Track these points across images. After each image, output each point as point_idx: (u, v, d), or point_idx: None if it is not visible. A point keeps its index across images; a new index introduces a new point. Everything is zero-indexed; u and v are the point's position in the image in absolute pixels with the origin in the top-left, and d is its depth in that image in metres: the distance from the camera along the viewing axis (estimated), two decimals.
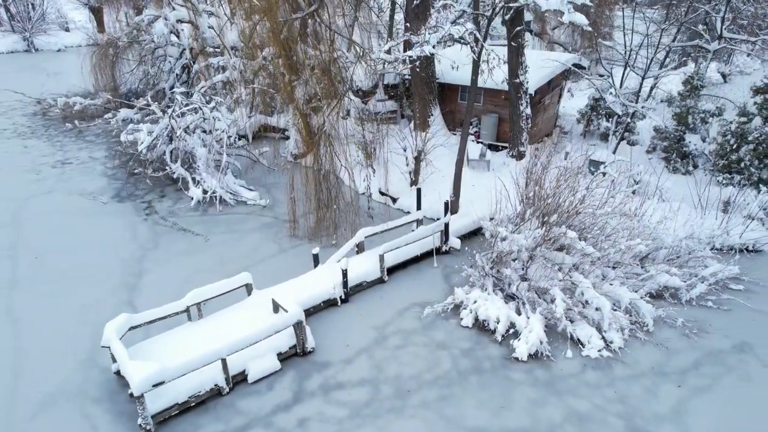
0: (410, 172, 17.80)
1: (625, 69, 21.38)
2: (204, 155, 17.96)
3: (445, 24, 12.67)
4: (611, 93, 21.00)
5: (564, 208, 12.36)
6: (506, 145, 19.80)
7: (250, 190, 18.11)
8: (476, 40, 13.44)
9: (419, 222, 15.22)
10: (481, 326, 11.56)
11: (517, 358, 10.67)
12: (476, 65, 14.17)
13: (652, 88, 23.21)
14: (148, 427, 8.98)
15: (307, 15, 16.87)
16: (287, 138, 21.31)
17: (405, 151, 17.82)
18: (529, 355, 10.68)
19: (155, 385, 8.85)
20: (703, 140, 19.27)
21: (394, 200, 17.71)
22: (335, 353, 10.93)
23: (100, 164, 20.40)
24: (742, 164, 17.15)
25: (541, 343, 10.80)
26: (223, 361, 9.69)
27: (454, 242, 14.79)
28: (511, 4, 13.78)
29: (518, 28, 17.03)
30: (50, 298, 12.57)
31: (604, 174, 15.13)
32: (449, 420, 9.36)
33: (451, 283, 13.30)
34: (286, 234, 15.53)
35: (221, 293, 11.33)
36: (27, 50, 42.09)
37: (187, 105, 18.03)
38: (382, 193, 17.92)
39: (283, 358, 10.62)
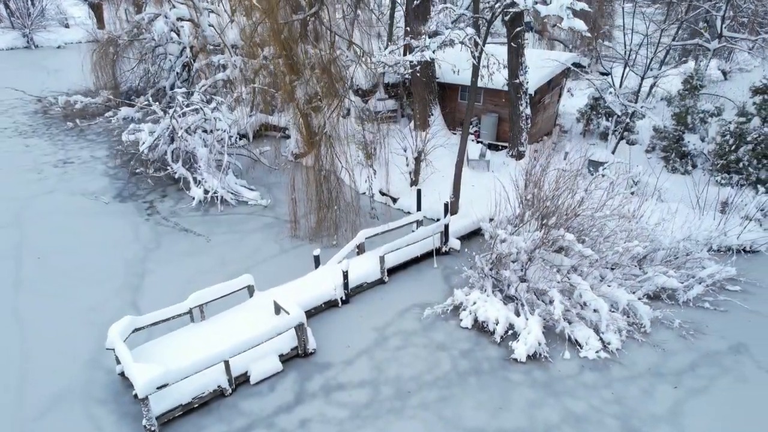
0: (410, 173, 17.88)
1: (625, 68, 21.42)
2: (205, 155, 18.01)
3: (444, 30, 12.69)
4: (611, 92, 21.06)
5: (563, 210, 12.46)
6: (506, 144, 19.86)
7: (252, 190, 18.18)
8: (476, 44, 13.50)
9: (419, 223, 15.32)
10: (480, 327, 11.69)
11: (515, 359, 10.81)
12: (476, 69, 14.24)
13: (651, 87, 23.24)
14: (152, 428, 9.13)
15: (308, 16, 16.90)
16: (288, 137, 21.36)
17: (405, 151, 17.89)
18: (528, 357, 10.81)
19: (159, 388, 8.99)
20: (702, 140, 19.36)
21: (395, 200, 17.80)
22: (336, 354, 11.07)
23: (101, 164, 20.46)
24: (741, 164, 17.25)
25: (540, 344, 10.94)
26: (226, 363, 9.83)
27: (454, 243, 14.89)
28: (510, 9, 13.80)
29: (518, 29, 17.06)
30: (54, 298, 12.69)
31: (603, 175, 15.20)
32: (448, 421, 9.50)
33: (451, 284, 13.42)
34: (287, 234, 15.63)
35: (223, 295, 11.45)
36: (27, 47, 42.04)
37: (188, 105, 18.08)
38: (382, 194, 18.01)
39: (285, 359, 10.75)
